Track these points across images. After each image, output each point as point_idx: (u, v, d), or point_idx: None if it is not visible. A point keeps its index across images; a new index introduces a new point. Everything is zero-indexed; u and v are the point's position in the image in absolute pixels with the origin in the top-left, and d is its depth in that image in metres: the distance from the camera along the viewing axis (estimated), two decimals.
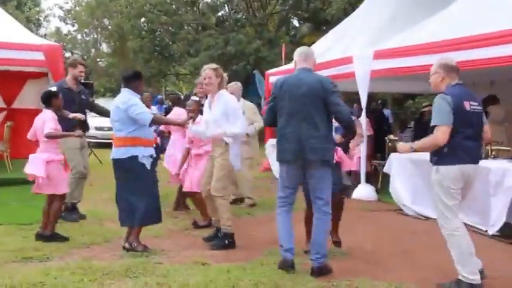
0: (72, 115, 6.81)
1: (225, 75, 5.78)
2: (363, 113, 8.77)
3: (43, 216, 5.83)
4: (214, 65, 5.81)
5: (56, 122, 5.80)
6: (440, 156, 4.38)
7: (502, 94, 8.87)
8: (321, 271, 4.63)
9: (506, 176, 6.08)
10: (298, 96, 4.66)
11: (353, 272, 4.75)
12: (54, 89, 6.06)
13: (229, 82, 5.96)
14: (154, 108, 13.96)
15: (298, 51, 4.92)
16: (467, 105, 4.31)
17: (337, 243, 5.53)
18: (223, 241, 5.63)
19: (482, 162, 6.51)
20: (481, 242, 5.95)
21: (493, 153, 7.06)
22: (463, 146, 4.30)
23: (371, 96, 10.25)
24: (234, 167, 5.68)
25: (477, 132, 4.44)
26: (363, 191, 8.64)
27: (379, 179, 9.42)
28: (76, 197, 7.02)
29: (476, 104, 4.42)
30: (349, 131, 4.87)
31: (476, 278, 4.25)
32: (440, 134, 4.26)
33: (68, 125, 6.84)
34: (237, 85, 8.06)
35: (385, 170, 8.24)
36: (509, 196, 6.03)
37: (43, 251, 5.32)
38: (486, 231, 6.26)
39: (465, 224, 6.47)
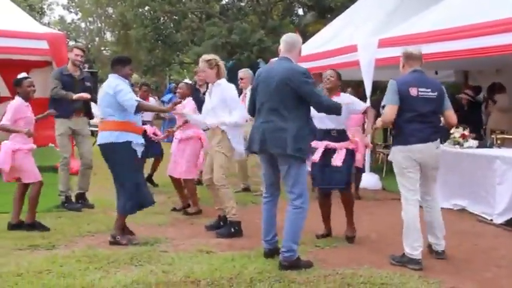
0: (76, 96, 6.76)
1: (221, 63, 5.75)
2: (367, 102, 8.71)
3: (14, 206, 5.80)
4: (207, 56, 5.79)
5: (21, 111, 5.72)
6: (393, 139, 4.95)
7: (508, 82, 8.83)
8: (286, 266, 4.49)
9: None
10: (268, 87, 4.55)
11: (358, 261, 4.76)
12: (21, 75, 5.99)
13: (231, 72, 5.96)
14: (167, 97, 13.83)
15: (282, 39, 4.76)
16: (413, 91, 4.67)
17: (350, 238, 5.44)
18: (230, 229, 5.63)
19: (488, 151, 6.58)
20: (487, 231, 5.97)
21: (499, 141, 7.04)
22: (408, 129, 4.69)
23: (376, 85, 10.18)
24: (239, 155, 5.66)
25: (425, 115, 4.70)
26: (368, 180, 8.63)
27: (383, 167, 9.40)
28: (74, 186, 7.05)
29: (429, 90, 4.73)
30: (335, 113, 4.75)
31: (415, 253, 4.63)
32: (387, 111, 4.70)
33: (69, 109, 6.84)
34: (248, 72, 8.09)
35: (390, 158, 8.21)
36: None
37: (49, 239, 5.35)
38: (491, 220, 6.24)
39: (470, 213, 6.56)
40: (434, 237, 4.91)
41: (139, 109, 5.31)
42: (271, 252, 4.77)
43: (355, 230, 5.50)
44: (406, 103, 4.65)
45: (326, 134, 5.40)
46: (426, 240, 4.92)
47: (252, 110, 4.85)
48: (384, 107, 4.76)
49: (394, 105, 4.65)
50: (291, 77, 4.45)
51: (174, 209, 6.91)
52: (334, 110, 4.69)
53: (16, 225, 5.73)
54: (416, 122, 4.68)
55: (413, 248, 4.64)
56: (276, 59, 4.82)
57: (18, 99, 5.82)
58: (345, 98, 5.45)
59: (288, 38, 4.73)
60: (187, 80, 7.10)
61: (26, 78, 5.91)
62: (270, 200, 4.83)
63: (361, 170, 7.86)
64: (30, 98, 5.89)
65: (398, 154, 4.80)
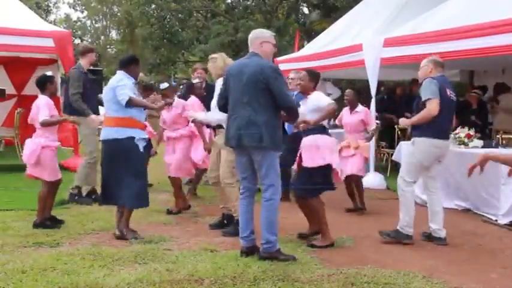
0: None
1: (221, 59, 5.73)
2: (372, 101, 8.69)
3: (38, 204, 5.83)
4: (211, 55, 5.85)
5: (51, 108, 5.78)
6: (419, 130, 5.24)
7: None
8: (266, 257, 4.58)
9: None
10: (240, 82, 4.64)
11: (361, 260, 4.76)
12: (49, 73, 6.05)
13: None
14: None
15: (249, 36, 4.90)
16: (448, 91, 5.23)
17: (301, 235, 5.33)
18: (236, 228, 5.60)
19: (493, 151, 6.54)
20: (492, 232, 5.95)
21: (504, 142, 7.01)
22: (439, 124, 5.14)
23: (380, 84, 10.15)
24: None
25: (450, 114, 5.31)
26: (372, 180, 8.62)
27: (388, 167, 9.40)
28: (91, 182, 7.17)
29: (454, 93, 5.31)
30: (291, 116, 4.83)
31: (411, 231, 5.27)
32: (433, 105, 5.09)
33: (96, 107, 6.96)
34: None
35: (394, 158, 8.21)
36: None
37: (53, 237, 5.37)
38: (496, 220, 6.22)
39: (475, 213, 6.55)
40: (436, 223, 5.30)
41: (130, 103, 5.32)
42: (248, 250, 4.73)
43: (313, 230, 5.34)
44: (442, 101, 5.12)
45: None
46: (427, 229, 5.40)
47: (222, 105, 4.92)
48: (424, 102, 5.12)
49: (438, 99, 5.09)
50: (262, 72, 4.57)
51: (184, 208, 6.88)
52: (294, 111, 4.74)
53: (40, 223, 5.74)
54: (443, 119, 5.19)
55: (409, 226, 5.24)
56: (246, 55, 4.89)
57: (45, 98, 5.82)
58: (314, 97, 5.34)
59: (251, 34, 4.93)
60: (164, 85, 6.88)
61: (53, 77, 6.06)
62: (247, 195, 4.83)
63: (360, 179, 6.96)
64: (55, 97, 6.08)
65: (422, 144, 5.20)
